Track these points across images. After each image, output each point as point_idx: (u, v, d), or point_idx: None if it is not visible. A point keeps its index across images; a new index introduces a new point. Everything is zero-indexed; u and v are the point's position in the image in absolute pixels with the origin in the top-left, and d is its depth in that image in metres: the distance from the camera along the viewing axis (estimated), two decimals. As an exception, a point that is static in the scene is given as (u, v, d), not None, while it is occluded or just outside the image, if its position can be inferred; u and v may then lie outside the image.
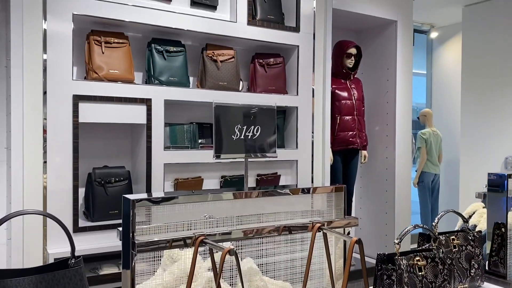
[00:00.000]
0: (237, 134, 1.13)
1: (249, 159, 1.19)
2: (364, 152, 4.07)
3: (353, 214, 4.37)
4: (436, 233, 1.71)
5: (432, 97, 7.06)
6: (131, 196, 1.01)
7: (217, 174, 3.19)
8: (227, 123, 1.11)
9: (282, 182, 3.51)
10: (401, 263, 1.37)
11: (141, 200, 1.01)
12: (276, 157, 1.26)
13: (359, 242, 1.03)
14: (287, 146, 3.43)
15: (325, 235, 1.19)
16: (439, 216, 1.76)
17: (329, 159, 3.75)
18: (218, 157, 1.12)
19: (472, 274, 1.75)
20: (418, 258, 1.44)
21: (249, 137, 1.15)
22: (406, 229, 1.45)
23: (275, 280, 1.33)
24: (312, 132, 3.49)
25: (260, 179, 3.36)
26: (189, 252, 1.25)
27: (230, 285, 1.21)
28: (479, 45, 4.85)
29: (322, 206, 1.33)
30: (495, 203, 1.89)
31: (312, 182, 3.60)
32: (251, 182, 3.39)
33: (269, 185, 3.40)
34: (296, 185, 3.49)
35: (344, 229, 1.37)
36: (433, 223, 1.73)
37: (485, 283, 1.82)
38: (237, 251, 1.28)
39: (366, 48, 4.23)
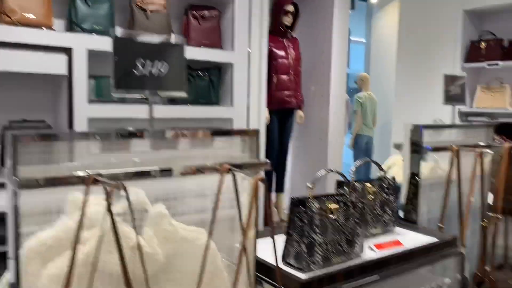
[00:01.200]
0: (140, 69, 1.07)
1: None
2: (299, 112, 4.11)
3: (288, 173, 4.45)
4: (353, 180, 1.76)
5: (370, 63, 7.22)
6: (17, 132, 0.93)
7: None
8: (129, 57, 1.05)
9: (232, 146, 3.47)
10: (313, 206, 1.40)
11: (26, 135, 0.93)
12: (185, 96, 1.22)
13: (263, 180, 1.03)
14: (222, 104, 3.39)
15: (234, 177, 1.18)
16: (356, 164, 1.81)
17: (265, 119, 3.75)
18: (118, 92, 1.06)
19: (385, 220, 1.83)
20: (331, 202, 1.47)
21: (154, 73, 1.10)
22: (319, 174, 1.47)
23: (188, 225, 1.31)
24: (248, 91, 3.45)
25: (194, 136, 3.30)
26: (97, 198, 1.19)
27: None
28: (415, 11, 4.96)
29: (236, 150, 1.31)
30: (410, 154, 1.97)
31: (247, 140, 3.58)
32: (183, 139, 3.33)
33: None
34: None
35: (258, 172, 1.37)
36: (350, 170, 1.78)
37: (397, 228, 1.92)
38: (146, 195, 1.25)
39: (304, 7, 4.21)
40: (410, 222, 2.01)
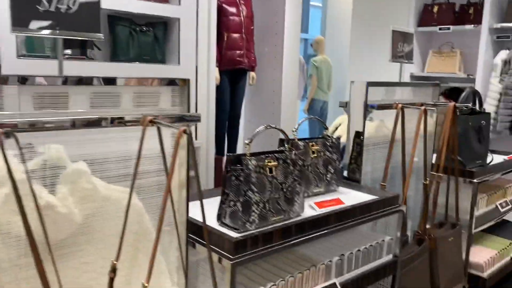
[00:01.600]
0: (45, 4, 0.93)
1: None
2: (252, 74, 4.00)
3: (241, 137, 4.37)
4: (296, 137, 1.69)
5: (326, 27, 7.13)
6: None
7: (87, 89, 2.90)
8: (29, -11, 0.90)
9: (162, 101, 3.32)
10: (249, 163, 1.32)
11: None
12: (102, 39, 1.09)
13: (187, 132, 0.94)
14: (169, 62, 3.22)
15: (159, 130, 1.08)
16: (299, 122, 1.74)
17: (215, 79, 3.62)
18: (17, 30, 0.92)
19: (328, 178, 1.79)
20: (270, 159, 1.40)
21: (62, 9, 0.95)
22: (257, 130, 1.39)
23: (110, 184, 1.20)
24: (196, 49, 3.30)
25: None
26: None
27: (45, 186, 1.07)
28: (369, -29, 4.88)
29: (165, 104, 1.20)
30: (355, 112, 1.93)
31: (196, 102, 3.46)
32: (128, 99, 3.16)
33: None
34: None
35: (188, 126, 1.28)
36: (293, 129, 1.71)
37: (340, 187, 1.89)
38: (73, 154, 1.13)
39: (257, -37, 4.03)
40: (354, 181, 1.98)
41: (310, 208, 1.59)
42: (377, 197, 1.77)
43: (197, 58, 3.33)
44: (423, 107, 1.89)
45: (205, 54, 3.44)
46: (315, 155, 1.75)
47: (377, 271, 1.69)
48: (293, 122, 4.25)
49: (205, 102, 3.57)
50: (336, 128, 2.40)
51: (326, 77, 5.99)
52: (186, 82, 1.24)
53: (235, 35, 3.73)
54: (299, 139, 1.72)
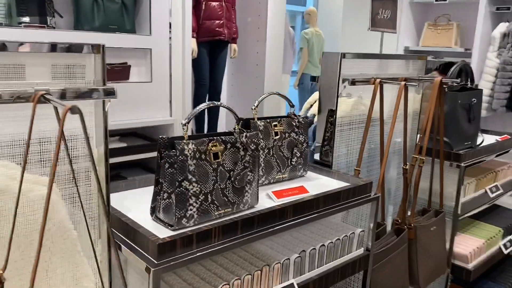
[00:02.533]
0: None
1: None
2: (233, 46, 3.75)
3: (222, 115, 4.15)
4: (256, 116, 1.48)
5: (319, -2, 6.80)
6: None
7: (46, 60, 2.66)
8: None
9: (133, 73, 3.09)
10: (185, 148, 1.11)
11: None
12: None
13: (74, 110, 0.72)
14: (139, 31, 2.97)
15: (55, 109, 0.86)
16: (260, 98, 1.52)
17: (192, 51, 3.37)
18: None
19: (293, 163, 1.58)
20: (215, 143, 1.19)
21: None
22: (196, 108, 1.17)
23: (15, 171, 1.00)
24: (170, 17, 3.04)
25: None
26: None
27: None
28: None
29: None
30: (327, 87, 1.70)
31: (171, 76, 3.23)
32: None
33: (117, 76, 2.96)
34: (151, 76, 3.09)
35: (104, 103, 1.06)
36: (252, 107, 1.49)
37: (309, 172, 1.68)
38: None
39: None
40: (326, 166, 1.78)
41: (267, 198, 1.39)
42: (348, 184, 1.57)
43: (170, 27, 3.08)
44: (403, 82, 1.67)
45: (180, 24, 3.19)
46: (278, 136, 1.54)
47: (345, 268, 1.50)
48: (278, 99, 4.01)
49: (179, 76, 3.34)
50: (311, 106, 2.18)
51: (317, 50, 5.71)
52: (100, 50, 1.01)
53: (214, 3, 3.46)
54: (260, 118, 1.51)
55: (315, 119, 1.92)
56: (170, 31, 3.06)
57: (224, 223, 1.12)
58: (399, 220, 1.89)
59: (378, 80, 1.68)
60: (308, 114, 1.97)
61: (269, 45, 3.84)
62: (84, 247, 1.09)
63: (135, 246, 1.07)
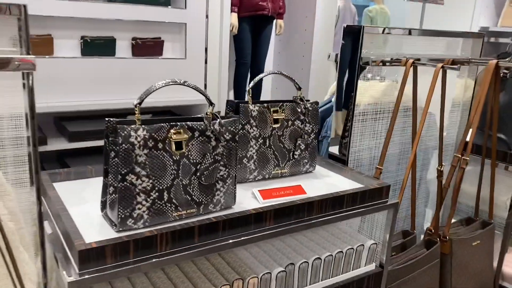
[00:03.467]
0: None
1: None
2: (279, 22, 3.48)
3: (267, 93, 3.92)
4: (250, 99, 1.25)
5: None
6: None
7: (74, 33, 2.59)
8: None
9: (167, 49, 2.95)
10: (131, 134, 0.92)
11: None
12: None
13: None
14: (174, 4, 2.81)
15: None
16: (257, 78, 1.28)
17: (232, 27, 3.17)
18: None
19: (296, 156, 1.34)
20: (178, 129, 0.98)
21: None
22: (152, 86, 0.97)
23: None
24: (208, -10, 2.84)
25: (136, 43, 2.79)
26: None
27: None
28: None
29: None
30: (346, 61, 1.42)
31: (206, 53, 3.05)
32: (124, 47, 2.83)
33: (149, 52, 2.84)
34: (185, 53, 2.93)
35: (26, 76, 0.88)
36: (247, 87, 1.27)
37: (318, 168, 1.43)
38: None
39: None
40: (341, 161, 1.51)
41: (253, 198, 1.17)
42: (361, 186, 1.30)
43: (207, 0, 2.89)
44: (439, 65, 1.34)
45: (218, -4, 2.99)
46: (278, 125, 1.30)
47: (347, 286, 1.25)
48: (326, 81, 3.71)
49: (216, 54, 3.15)
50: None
51: (380, 29, 5.25)
52: (19, 10, 0.83)
53: (258, -25, 3.20)
54: (258, 102, 1.28)
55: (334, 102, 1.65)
56: (207, 5, 2.87)
57: (174, 229, 0.92)
58: (432, 230, 1.58)
59: (410, 61, 1.37)
60: (333, 99, 1.70)
61: (319, 22, 3.53)
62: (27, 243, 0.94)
63: (67, 250, 0.90)
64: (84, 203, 1.08)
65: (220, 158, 1.04)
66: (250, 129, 1.24)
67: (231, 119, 1.06)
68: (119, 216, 0.93)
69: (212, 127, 1.03)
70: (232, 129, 1.06)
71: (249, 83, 3.74)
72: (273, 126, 1.29)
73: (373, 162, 1.56)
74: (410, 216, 1.66)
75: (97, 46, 2.64)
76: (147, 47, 2.85)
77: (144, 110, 2.49)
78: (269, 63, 3.83)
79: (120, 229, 0.94)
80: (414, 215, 1.63)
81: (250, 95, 1.26)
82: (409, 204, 1.68)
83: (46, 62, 2.15)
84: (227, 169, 1.06)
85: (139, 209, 0.95)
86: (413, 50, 1.58)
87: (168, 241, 0.91)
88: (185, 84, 0.99)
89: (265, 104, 1.28)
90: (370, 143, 1.55)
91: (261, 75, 1.29)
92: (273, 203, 1.11)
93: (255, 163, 1.27)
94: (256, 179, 1.29)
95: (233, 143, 1.06)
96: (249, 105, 1.25)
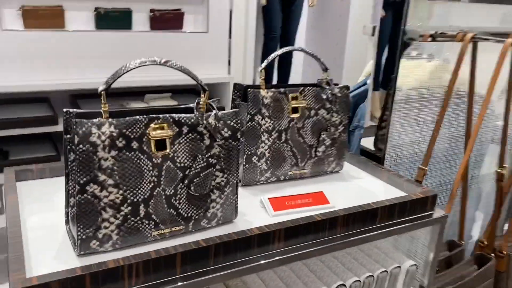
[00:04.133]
0: None
1: None
2: (312, -8, 3.17)
3: (298, 75, 3.63)
4: (262, 82, 1.00)
5: None
6: None
7: (87, 4, 2.39)
8: None
9: (188, 22, 2.71)
10: (93, 132, 0.69)
11: None
12: None
13: None
14: (194, -27, 2.56)
15: None
16: (271, 56, 1.03)
17: (261, -2, 2.89)
18: None
19: (319, 154, 1.08)
20: (160, 123, 0.75)
21: None
22: (123, 68, 0.73)
23: None
24: (232, -45, 2.57)
25: (154, 16, 2.56)
26: None
27: None
28: None
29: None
30: (386, 36, 1.14)
31: (231, 26, 2.79)
32: (141, 19, 2.61)
33: (168, 25, 2.61)
34: (208, 26, 2.68)
35: None
36: (259, 68, 1.02)
37: (348, 166, 1.17)
38: None
39: None
40: (376, 159, 1.24)
41: (260, 208, 0.94)
42: (400, 192, 1.04)
43: (232, -32, 2.61)
44: (509, 40, 1.04)
45: (244, -36, 2.71)
46: (298, 114, 1.05)
47: (378, 318, 1.01)
48: (363, 58, 3.38)
49: (241, 27, 2.89)
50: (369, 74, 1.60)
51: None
52: None
53: None
54: (273, 86, 1.02)
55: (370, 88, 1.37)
56: (231, -27, 2.60)
57: (147, 257, 0.70)
58: (485, 243, 1.30)
59: (469, 36, 1.07)
60: (368, 81, 1.42)
61: (356, -8, 3.19)
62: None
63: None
64: (52, 210, 0.87)
65: (215, 161, 0.81)
66: (262, 120, 1.00)
67: (231, 111, 0.82)
68: (79, 237, 0.72)
69: (205, 121, 0.79)
70: (232, 124, 0.82)
71: (278, 62, 3.48)
72: (292, 116, 1.04)
73: (416, 160, 1.28)
74: (456, 222, 1.39)
75: (112, 19, 2.42)
76: (166, 20, 2.60)
77: (162, 88, 2.30)
78: (301, 39, 3.53)
79: (82, 252, 0.73)
80: (463, 223, 1.35)
81: (263, 77, 1.01)
82: (456, 207, 1.41)
83: (57, 36, 1.98)
84: (225, 175, 0.83)
85: (106, 227, 0.73)
86: (464, 22, 1.28)
87: (140, 273, 0.70)
88: (168, 64, 0.75)
89: (282, 89, 1.03)
90: (413, 137, 1.27)
91: (277, 52, 1.04)
92: (286, 217, 0.87)
93: (268, 162, 1.03)
94: (269, 181, 1.05)
95: (233, 142, 0.82)
96: (261, 90, 1.00)
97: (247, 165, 1.01)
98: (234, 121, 0.82)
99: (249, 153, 1.00)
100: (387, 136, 1.20)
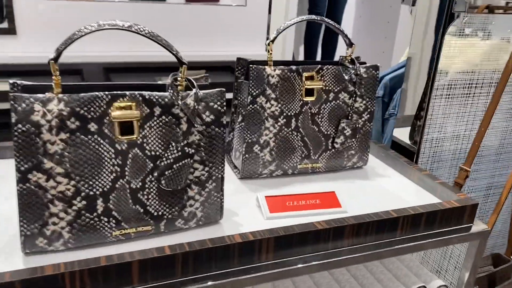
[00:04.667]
0: None
1: None
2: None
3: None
4: (270, 56, 0.84)
5: None
6: None
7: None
8: None
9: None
10: (37, 109, 0.57)
11: None
12: None
13: None
14: None
15: None
16: (287, 24, 0.87)
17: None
18: None
19: (337, 145, 0.92)
20: (127, 101, 0.62)
21: None
22: (77, 33, 0.60)
23: None
24: None
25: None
26: None
27: None
28: None
29: None
30: (422, 18, 0.93)
31: (271, -1, 2.61)
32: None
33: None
34: (245, 1, 2.52)
35: None
36: (267, 41, 0.86)
37: (373, 160, 0.99)
38: None
39: None
40: (409, 154, 1.05)
41: (255, 207, 0.79)
42: (432, 197, 0.86)
43: None
44: None
45: None
46: (313, 97, 0.88)
47: None
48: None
49: (283, 2, 2.68)
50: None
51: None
52: None
53: None
54: (283, 63, 0.86)
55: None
56: None
57: (95, 265, 0.57)
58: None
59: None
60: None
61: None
62: None
63: None
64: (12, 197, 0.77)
65: (194, 151, 0.66)
66: (266, 103, 0.84)
67: (215, 90, 0.67)
68: (22, 233, 0.61)
69: (181, 102, 0.65)
70: (216, 106, 0.67)
71: (323, 38, 3.27)
72: (305, 99, 0.88)
73: (457, 158, 1.08)
74: (503, 232, 1.17)
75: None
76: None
77: (197, 64, 2.18)
78: (349, 13, 3.27)
79: (28, 251, 0.62)
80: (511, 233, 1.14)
81: (270, 51, 0.84)
82: (505, 215, 1.19)
83: (88, 6, 1.91)
84: (206, 168, 0.68)
85: (55, 224, 0.61)
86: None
87: (86, 283, 0.57)
88: (133, 29, 0.61)
89: (293, 67, 0.87)
90: (456, 130, 1.06)
91: (289, 22, 0.87)
92: (282, 221, 0.72)
93: (273, 152, 0.87)
94: (274, 174, 0.90)
95: (217, 129, 0.67)
96: (267, 67, 0.84)
97: (247, 155, 0.86)
98: (218, 103, 0.67)
99: (249, 141, 0.85)
100: (424, 127, 1.00)
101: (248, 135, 0.85)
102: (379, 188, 0.90)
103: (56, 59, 0.59)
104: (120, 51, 1.94)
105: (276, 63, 0.85)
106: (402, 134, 1.14)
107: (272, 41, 0.85)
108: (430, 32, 1.08)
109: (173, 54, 0.64)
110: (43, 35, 1.78)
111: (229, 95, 0.97)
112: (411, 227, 0.77)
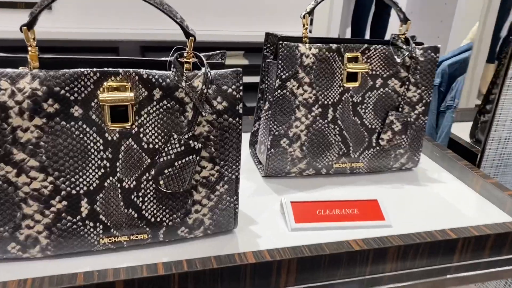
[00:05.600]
0: None
1: None
2: None
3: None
4: (306, 32, 0.70)
5: None
6: None
7: None
8: None
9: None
10: (4, 87, 0.46)
11: None
12: None
13: None
14: None
15: None
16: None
17: None
18: None
19: (382, 142, 0.76)
20: (121, 81, 0.50)
21: None
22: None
23: None
24: None
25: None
26: None
27: None
28: None
29: None
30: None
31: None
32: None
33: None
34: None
35: None
36: (302, 14, 0.71)
37: (426, 161, 0.83)
38: None
39: None
40: (471, 156, 0.88)
41: (280, 217, 0.66)
42: (504, 215, 0.69)
43: None
44: None
45: None
46: (357, 83, 0.73)
47: None
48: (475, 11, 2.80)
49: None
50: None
51: None
52: None
53: None
54: (321, 40, 0.71)
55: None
56: None
57: (66, 286, 0.46)
58: None
59: None
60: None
61: None
62: None
63: None
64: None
65: (201, 145, 0.53)
66: (298, 88, 0.70)
67: (230, 70, 0.53)
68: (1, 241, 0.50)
69: (188, 84, 0.52)
70: (231, 91, 0.53)
71: (372, 20, 3.04)
72: (346, 85, 0.73)
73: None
74: None
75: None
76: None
77: (235, 45, 2.06)
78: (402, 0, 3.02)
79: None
80: None
81: (306, 25, 0.69)
82: None
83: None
84: (217, 167, 0.55)
85: (29, 227, 0.50)
86: None
87: (58, 304, 0.47)
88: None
89: (333, 45, 0.71)
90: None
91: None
92: (310, 234, 0.59)
93: (304, 147, 0.73)
94: (304, 173, 0.76)
95: (231, 119, 0.54)
96: (300, 44, 0.69)
97: (272, 150, 0.72)
98: (233, 86, 0.53)
99: (276, 133, 0.71)
100: (491, 124, 0.83)
101: (275, 126, 0.71)
102: (432, 197, 0.74)
103: (29, 24, 0.47)
104: (154, 29, 1.84)
105: (312, 40, 0.70)
106: (462, 130, 0.96)
107: (309, 13, 0.70)
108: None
109: (177, 22, 0.51)
110: (77, 11, 1.71)
111: (257, 79, 0.84)
112: (472, 251, 0.61)
